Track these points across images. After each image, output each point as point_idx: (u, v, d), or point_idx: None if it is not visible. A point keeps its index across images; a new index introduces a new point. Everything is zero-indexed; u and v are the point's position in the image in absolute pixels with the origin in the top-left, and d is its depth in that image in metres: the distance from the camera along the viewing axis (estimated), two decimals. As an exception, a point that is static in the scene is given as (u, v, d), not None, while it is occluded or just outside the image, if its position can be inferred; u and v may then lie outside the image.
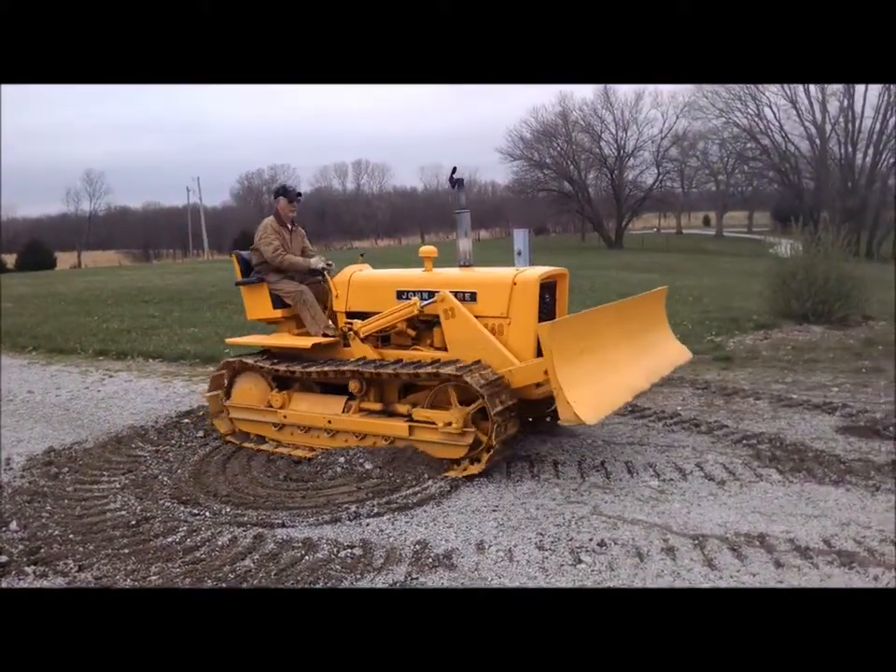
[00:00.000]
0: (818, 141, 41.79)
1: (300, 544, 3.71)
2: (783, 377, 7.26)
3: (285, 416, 5.27)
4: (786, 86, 41.61)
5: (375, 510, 4.09)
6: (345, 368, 4.98)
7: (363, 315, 5.34)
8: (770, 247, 17.29)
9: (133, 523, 4.08)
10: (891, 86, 38.08)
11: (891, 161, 40.55)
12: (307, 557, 3.57)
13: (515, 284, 4.79)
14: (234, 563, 3.54)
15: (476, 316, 4.83)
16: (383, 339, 5.36)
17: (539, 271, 4.91)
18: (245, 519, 4.07)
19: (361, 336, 5.21)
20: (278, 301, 5.61)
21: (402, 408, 4.90)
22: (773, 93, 42.77)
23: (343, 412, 5.05)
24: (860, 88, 39.53)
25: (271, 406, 5.36)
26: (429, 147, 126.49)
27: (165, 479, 4.81)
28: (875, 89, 39.18)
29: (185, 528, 3.97)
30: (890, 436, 5.17)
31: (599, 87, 50.32)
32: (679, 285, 15.74)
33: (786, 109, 42.62)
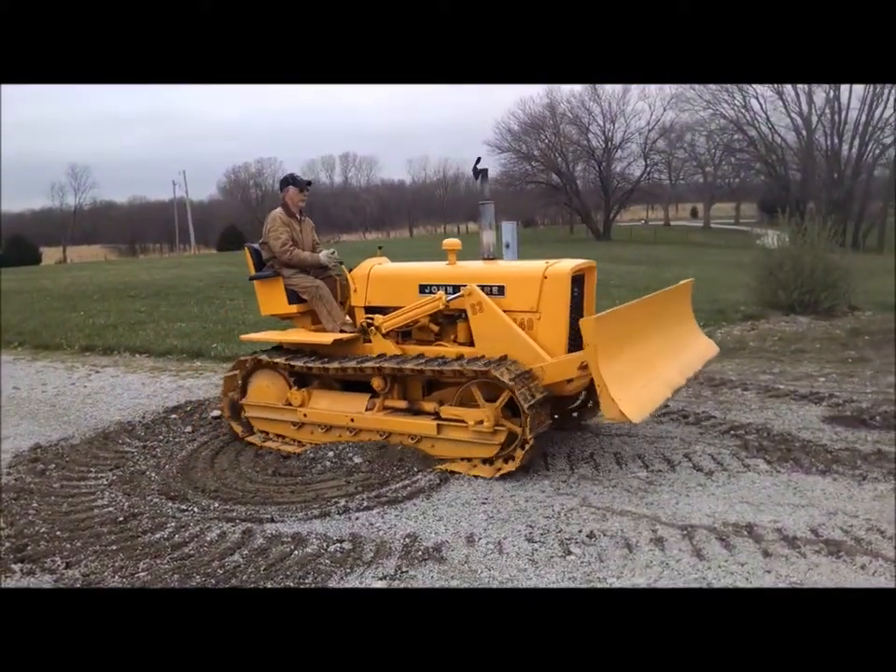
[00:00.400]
0: (804, 132, 41.99)
1: (289, 539, 3.70)
2: (770, 368, 7.30)
3: (305, 415, 5.11)
4: (772, 77, 41.71)
5: (365, 504, 4.08)
6: (370, 364, 4.81)
7: (383, 310, 5.19)
8: (757, 238, 17.39)
9: (121, 519, 4.05)
10: (876, 77, 38.24)
11: (877, 152, 40.87)
12: (296, 552, 3.56)
13: (546, 277, 4.65)
14: (223, 558, 3.53)
15: (504, 311, 4.67)
16: (403, 334, 5.21)
17: (571, 263, 4.75)
18: (234, 514, 4.05)
19: (383, 332, 5.07)
20: (294, 297, 5.41)
21: (429, 406, 4.77)
22: (759, 85, 42.91)
23: (367, 410, 4.92)
24: (845, 79, 39.66)
25: (289, 404, 5.20)
26: (417, 139, 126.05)
27: (153, 474, 4.78)
28: (860, 80, 39.34)
29: (173, 524, 3.95)
30: (877, 425, 5.21)
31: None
32: (667, 276, 15.78)
33: (772, 101, 42.84)
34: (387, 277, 5.32)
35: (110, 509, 4.22)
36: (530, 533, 3.65)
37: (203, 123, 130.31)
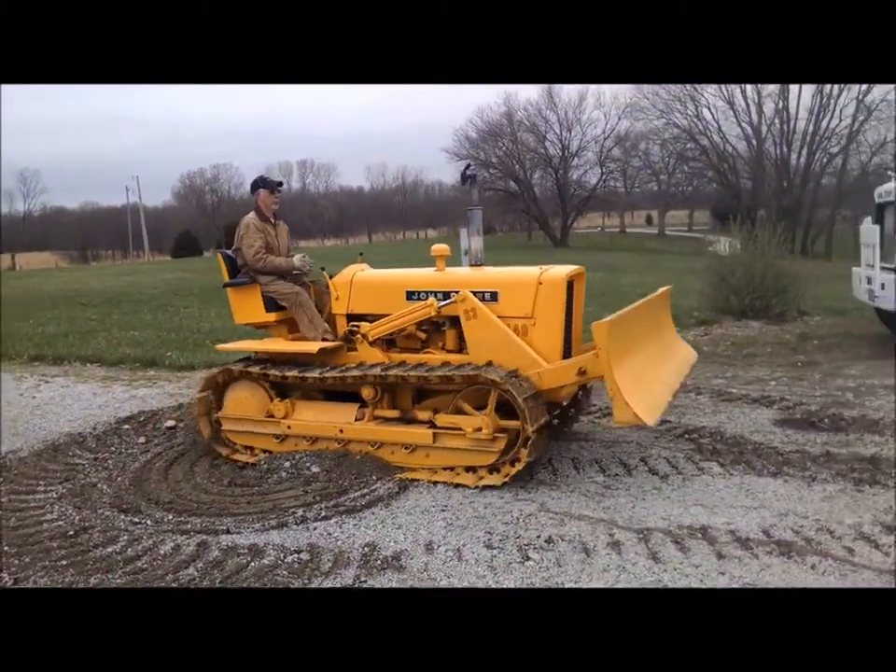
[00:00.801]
0: (754, 142, 43.00)
1: (245, 550, 3.64)
2: (723, 372, 7.45)
3: (289, 427, 4.93)
4: (723, 87, 42.77)
5: (323, 513, 4.04)
6: (373, 372, 4.65)
7: (366, 318, 5.09)
8: (710, 245, 17.73)
9: (71, 533, 3.95)
10: (824, 88, 39.51)
11: (824, 161, 42.01)
12: (253, 564, 3.51)
13: (541, 283, 4.63)
14: (177, 571, 3.46)
15: (498, 317, 4.63)
16: (388, 343, 5.08)
17: (566, 269, 4.76)
18: (189, 526, 3.98)
19: (370, 339, 4.95)
20: (272, 304, 5.24)
21: (423, 414, 4.67)
22: (711, 94, 43.89)
23: (357, 420, 4.80)
24: (794, 89, 40.86)
25: (271, 416, 5.03)
26: (375, 146, 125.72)
27: (105, 487, 4.67)
28: (808, 91, 40.56)
29: (125, 538, 3.86)
30: (825, 427, 5.35)
31: (543, 87, 50.83)
32: (622, 283, 16.01)
33: (724, 110, 43.76)
34: (372, 284, 5.22)
35: (60, 523, 4.11)
36: (489, 539, 3.66)
37: (156, 128, 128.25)
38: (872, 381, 6.76)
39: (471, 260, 5.30)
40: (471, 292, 4.69)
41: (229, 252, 5.41)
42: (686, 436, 5.22)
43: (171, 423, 5.98)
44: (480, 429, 4.38)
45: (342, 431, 4.78)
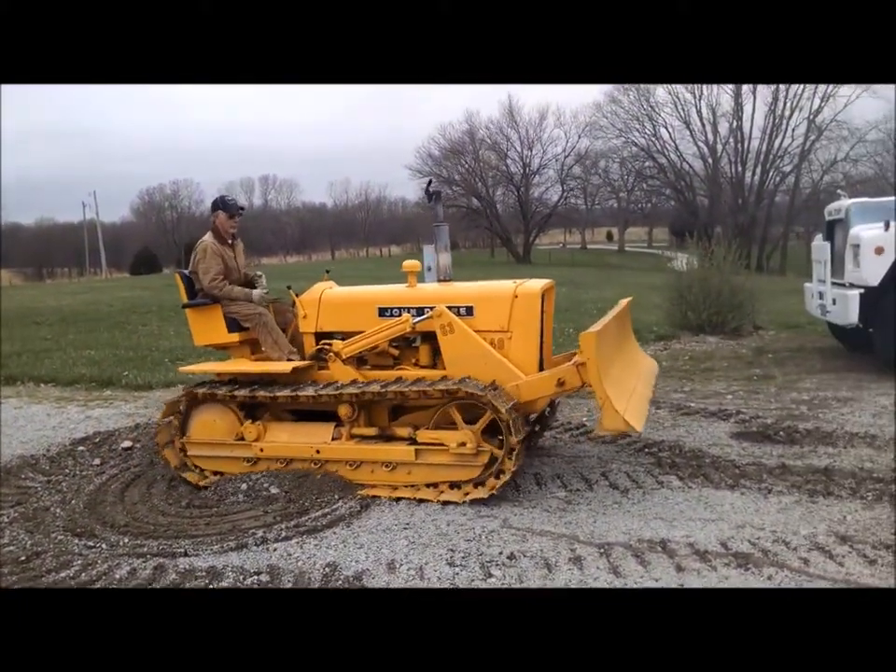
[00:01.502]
0: (710, 160, 44.00)
1: (203, 573, 3.57)
2: (682, 386, 7.56)
3: (261, 449, 4.78)
4: (679, 107, 43.78)
5: (283, 534, 3.99)
6: (351, 389, 4.58)
7: (335, 336, 5.00)
8: (668, 261, 18.03)
9: (23, 558, 3.83)
10: (776, 109, 40.66)
11: (777, 179, 43.14)
12: (211, 586, 3.44)
13: (517, 297, 4.69)
14: (133, 596, 3.38)
15: (474, 331, 4.64)
16: (359, 360, 4.99)
17: (540, 283, 4.85)
18: (145, 549, 3.89)
19: (343, 357, 4.84)
20: (234, 325, 5.12)
21: (403, 430, 4.63)
22: (667, 114, 44.88)
23: (333, 440, 4.71)
24: (747, 109, 42.00)
25: (241, 439, 4.86)
26: (338, 162, 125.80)
27: (58, 510, 4.55)
28: (760, 111, 41.71)
29: (79, 562, 3.76)
30: (781, 440, 5.45)
31: (504, 105, 51.42)
32: (583, 298, 16.20)
33: (680, 130, 44.75)
34: (342, 302, 5.16)
35: (11, 548, 4.00)
36: (451, 557, 3.65)
37: (115, 142, 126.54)
38: (825, 394, 6.93)
39: (440, 276, 5.28)
40: (446, 307, 4.69)
41: (186, 272, 5.28)
42: (646, 450, 5.28)
43: (127, 444, 5.86)
44: (464, 444, 4.37)
45: (318, 452, 4.68)
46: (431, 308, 4.71)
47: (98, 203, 58.90)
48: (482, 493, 4.34)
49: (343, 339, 4.94)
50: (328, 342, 4.96)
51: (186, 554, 3.81)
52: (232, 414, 4.97)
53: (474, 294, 4.89)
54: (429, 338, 4.84)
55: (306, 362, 4.98)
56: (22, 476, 5.26)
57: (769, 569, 3.38)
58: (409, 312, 4.81)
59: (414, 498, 4.43)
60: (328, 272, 5.55)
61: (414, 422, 4.68)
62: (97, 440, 6.08)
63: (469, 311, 4.75)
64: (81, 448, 5.88)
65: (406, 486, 4.53)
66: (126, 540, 4.02)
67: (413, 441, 4.56)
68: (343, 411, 4.70)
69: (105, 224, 63.72)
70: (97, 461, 5.53)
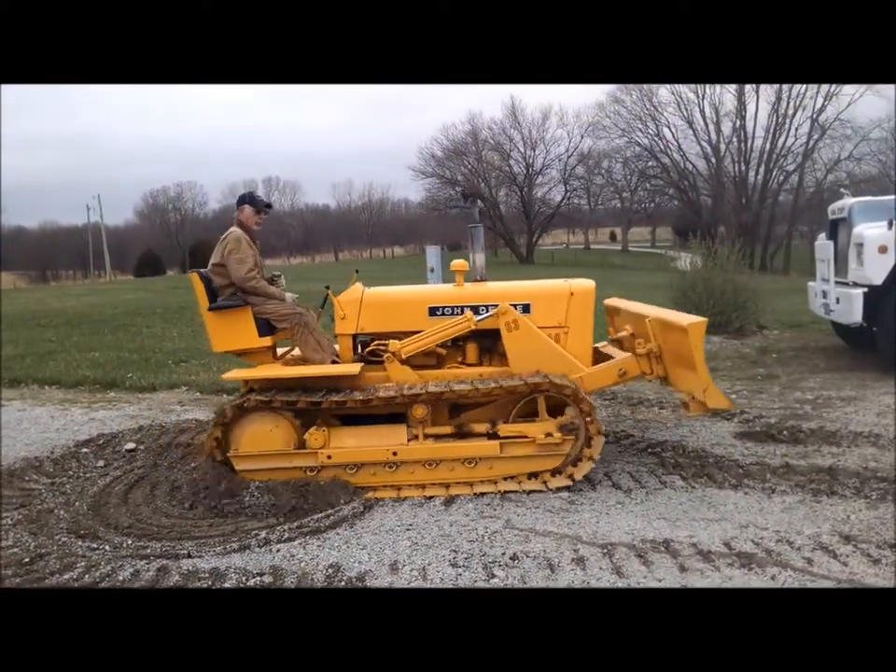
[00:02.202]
0: (713, 160, 43.97)
1: (206, 574, 3.58)
2: (685, 386, 7.54)
3: (329, 456, 4.57)
4: (682, 107, 43.76)
5: (286, 535, 3.99)
6: (436, 389, 4.53)
7: (378, 337, 4.96)
8: (671, 261, 18.02)
9: (27, 560, 3.84)
10: (779, 108, 40.60)
11: (781, 178, 43.09)
12: (214, 587, 3.44)
13: (573, 294, 4.97)
14: (136, 598, 3.38)
15: None
16: (401, 362, 4.87)
17: (591, 282, 5.14)
18: (148, 551, 3.90)
19: (402, 357, 4.79)
20: (265, 327, 4.84)
21: (480, 427, 4.66)
22: (670, 114, 44.87)
23: (410, 440, 4.61)
24: (750, 109, 41.95)
25: (303, 448, 4.58)
26: (341, 164, 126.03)
27: (62, 512, 4.56)
28: (764, 110, 41.66)
29: (83, 564, 3.77)
30: (784, 439, 5.44)
31: (507, 106, 51.42)
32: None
33: (683, 129, 44.77)
34: (387, 302, 5.10)
35: (15, 550, 4.00)
36: (454, 558, 3.65)
37: (119, 145, 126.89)
38: (829, 393, 6.91)
39: (476, 276, 5.38)
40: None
41: (204, 271, 4.93)
42: (649, 450, 5.27)
43: (131, 445, 5.87)
44: (550, 434, 4.52)
45: (395, 454, 4.57)
46: (486, 307, 4.85)
47: (102, 205, 58.88)
48: (564, 481, 4.53)
49: (382, 340, 4.91)
50: (382, 342, 4.89)
51: (189, 556, 3.81)
52: (288, 422, 4.66)
53: (530, 292, 5.08)
54: (478, 336, 4.93)
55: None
56: (26, 478, 5.27)
57: (773, 569, 3.37)
58: (462, 311, 4.88)
59: (498, 492, 4.50)
60: (357, 272, 5.47)
61: (479, 419, 4.74)
62: (101, 441, 6.09)
63: (527, 308, 4.93)
64: (85, 450, 5.88)
65: (484, 481, 4.59)
66: (129, 542, 4.03)
67: (492, 436, 4.62)
68: (420, 411, 4.63)
69: (109, 227, 63.80)
70: (101, 463, 5.54)
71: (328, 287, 5.05)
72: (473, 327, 4.78)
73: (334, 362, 4.87)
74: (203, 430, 6.17)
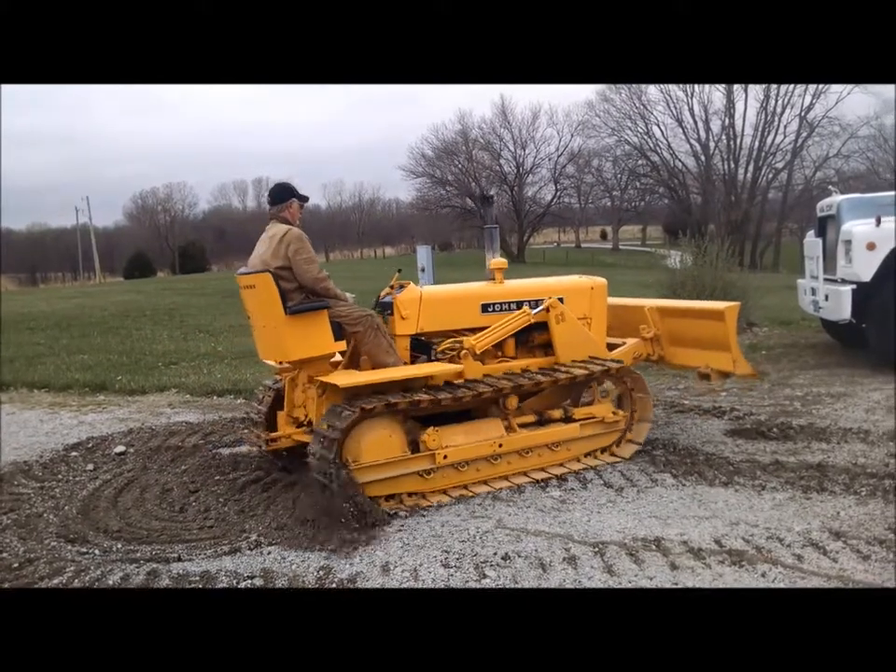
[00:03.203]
0: (702, 158, 44.10)
1: (196, 578, 3.55)
2: (676, 384, 7.57)
3: (445, 457, 4.43)
4: (672, 105, 43.89)
5: (277, 537, 3.97)
6: (544, 378, 4.79)
7: (435, 336, 5.02)
8: (662, 259, 18.07)
9: (16, 565, 3.81)
10: (768, 105, 40.78)
11: (770, 176, 43.27)
12: (208, 588, 3.43)
13: (593, 289, 5.48)
14: (126, 602, 3.36)
15: None
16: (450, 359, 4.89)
17: (603, 279, 5.64)
18: (139, 555, 3.87)
19: (477, 352, 4.87)
20: (338, 331, 4.51)
21: (556, 413, 4.98)
22: (660, 112, 44.99)
23: (508, 432, 4.72)
24: (739, 107, 42.13)
25: (417, 450, 4.41)
26: (331, 164, 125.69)
27: (51, 517, 4.53)
28: (752, 108, 41.84)
29: (72, 568, 3.74)
30: (774, 436, 5.46)
31: (497, 105, 51.47)
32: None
33: (672, 128, 44.87)
34: (445, 300, 5.10)
35: (4, 555, 3.96)
36: (446, 558, 3.64)
37: (107, 147, 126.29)
38: (818, 389, 6.95)
39: (489, 275, 5.56)
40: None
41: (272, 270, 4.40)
42: (640, 448, 5.27)
43: (121, 448, 5.84)
44: (615, 412, 5.12)
45: (501, 446, 4.64)
46: (530, 302, 5.17)
47: (91, 207, 58.51)
48: (633, 447, 5.14)
49: (437, 338, 5.05)
50: (458, 339, 4.95)
51: (179, 559, 3.79)
52: (399, 426, 4.43)
53: (562, 287, 5.44)
54: (518, 331, 5.14)
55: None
56: (15, 482, 5.23)
57: (763, 566, 3.38)
58: (511, 306, 5.16)
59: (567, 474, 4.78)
60: (399, 270, 5.35)
61: (540, 406, 5.03)
62: (90, 445, 6.05)
63: (561, 302, 5.22)
64: (74, 453, 5.85)
65: (555, 465, 4.90)
66: (119, 546, 4.00)
67: (567, 419, 4.99)
68: (514, 402, 4.80)
69: (99, 228, 63.54)
70: (90, 466, 5.50)
71: (392, 287, 4.99)
72: (532, 320, 5.07)
73: (405, 363, 4.75)
74: (193, 433, 6.18)
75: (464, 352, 4.83)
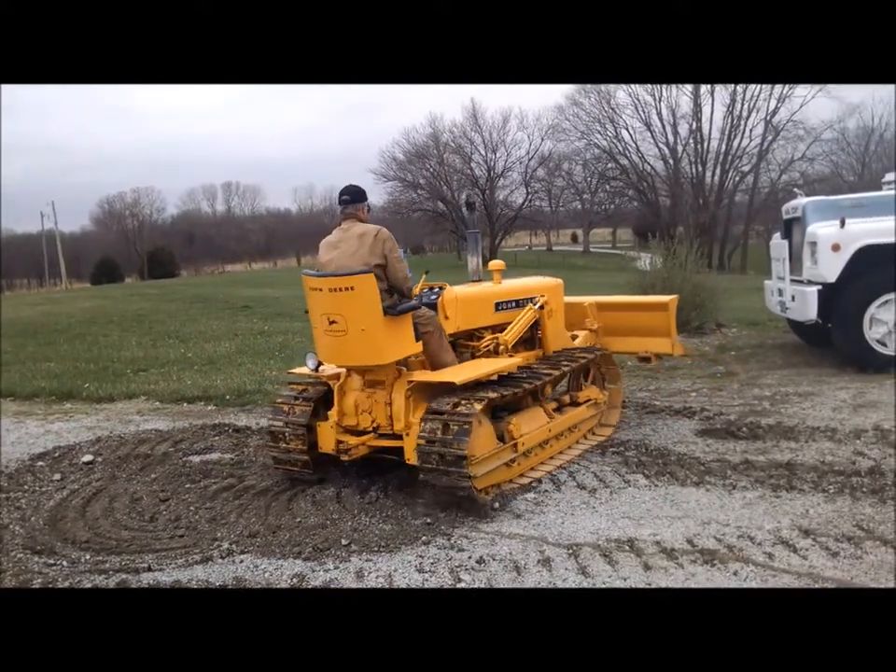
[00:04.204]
0: (671, 161, 44.67)
1: (168, 588, 3.50)
2: (647, 385, 7.64)
3: (523, 443, 4.68)
4: (640, 109, 44.38)
5: (250, 545, 3.93)
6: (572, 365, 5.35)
7: (464, 334, 5.29)
8: (632, 261, 18.23)
9: (-20, 579, 3.73)
10: (734, 110, 41.41)
11: (737, 179, 43.94)
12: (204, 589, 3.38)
13: (556, 286, 5.94)
14: (95, 614, 3.30)
15: None
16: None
17: (559, 279, 6.11)
18: (107, 566, 3.80)
19: (510, 347, 5.25)
20: (417, 333, 4.50)
21: (565, 398, 5.55)
22: (628, 116, 45.48)
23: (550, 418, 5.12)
24: (706, 111, 42.72)
25: (502, 441, 4.53)
26: (301, 168, 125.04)
27: (17, 528, 4.43)
28: (719, 112, 42.46)
29: (39, 580, 3.66)
30: (744, 436, 5.53)
31: (467, 109, 51.63)
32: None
33: (641, 131, 45.39)
34: (474, 300, 5.35)
35: (-33, 569, 3.88)
36: (421, 563, 3.63)
37: (74, 152, 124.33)
38: (786, 389, 7.05)
39: (473, 277, 5.83)
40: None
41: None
42: (613, 449, 5.31)
43: (88, 458, 5.73)
44: (607, 393, 5.83)
45: (550, 430, 5.04)
46: (528, 300, 5.58)
47: (57, 212, 57.59)
48: (608, 429, 5.75)
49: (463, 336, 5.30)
50: (496, 336, 5.26)
51: (149, 569, 3.73)
52: (489, 419, 4.52)
53: (544, 286, 5.86)
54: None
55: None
56: (-21, 494, 5.11)
57: (735, 565, 3.42)
58: (515, 304, 5.55)
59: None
60: (427, 272, 5.52)
61: (550, 393, 5.49)
62: (57, 454, 5.94)
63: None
64: (41, 463, 5.73)
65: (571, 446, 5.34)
66: (87, 557, 3.93)
67: (574, 403, 5.51)
68: (549, 390, 5.38)
69: (65, 234, 62.54)
70: (57, 476, 5.39)
71: (438, 288, 5.17)
72: (537, 316, 5.53)
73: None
74: (163, 441, 6.09)
75: (501, 347, 5.17)
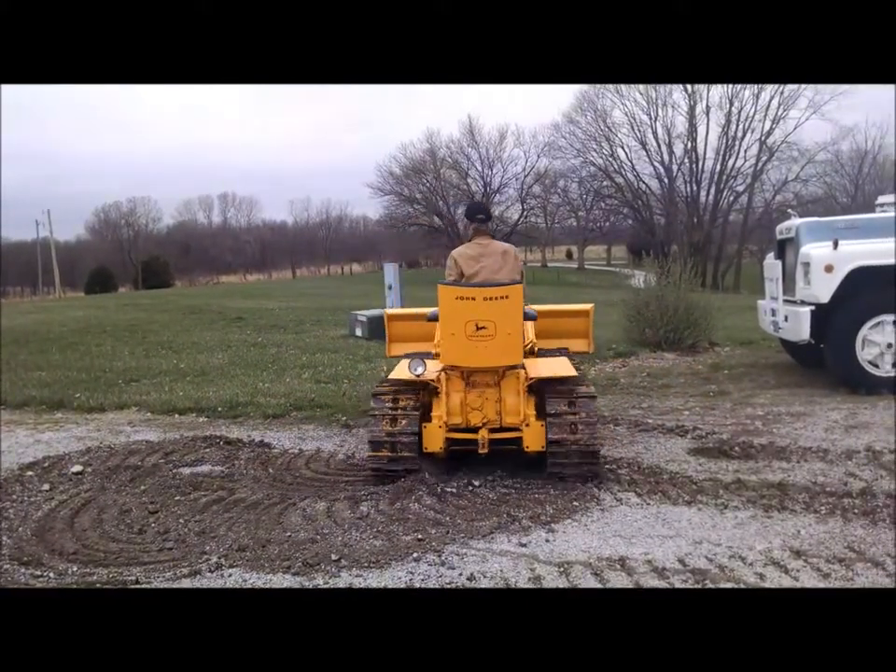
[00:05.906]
0: (666, 180, 45.02)
1: (162, 588, 3.47)
2: (640, 402, 7.64)
3: None
4: (636, 128, 44.75)
5: (239, 559, 3.90)
6: None
7: None
8: (626, 279, 18.29)
9: (-35, 590, 3.69)
10: (728, 130, 41.78)
11: (731, 199, 44.29)
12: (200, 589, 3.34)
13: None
14: (81, 627, 3.27)
15: None
16: None
17: None
18: (95, 578, 3.76)
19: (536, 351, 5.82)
20: None
21: None
22: (624, 135, 45.84)
23: None
24: (701, 131, 43.11)
25: None
26: (299, 180, 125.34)
27: (4, 538, 4.38)
28: (714, 132, 42.83)
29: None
30: (736, 455, 5.53)
31: (464, 125, 51.91)
32: (544, 316, 16.25)
33: (636, 150, 45.77)
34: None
35: (-48, 579, 3.84)
36: (411, 580, 3.60)
37: (70, 160, 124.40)
38: (779, 409, 7.06)
39: None
40: None
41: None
42: (605, 466, 5.29)
43: (78, 468, 5.69)
44: None
45: None
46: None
47: (52, 221, 57.40)
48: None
49: None
50: (531, 339, 5.66)
51: (137, 582, 3.69)
52: None
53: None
54: None
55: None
56: (-34, 503, 5.06)
57: (726, 585, 3.41)
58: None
59: None
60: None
61: None
62: (46, 464, 5.89)
63: None
64: (30, 473, 5.69)
65: None
66: (75, 569, 3.89)
67: None
68: None
69: (60, 242, 62.43)
70: (46, 486, 5.35)
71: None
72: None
73: None
74: (153, 452, 6.06)
75: (536, 349, 5.71)
